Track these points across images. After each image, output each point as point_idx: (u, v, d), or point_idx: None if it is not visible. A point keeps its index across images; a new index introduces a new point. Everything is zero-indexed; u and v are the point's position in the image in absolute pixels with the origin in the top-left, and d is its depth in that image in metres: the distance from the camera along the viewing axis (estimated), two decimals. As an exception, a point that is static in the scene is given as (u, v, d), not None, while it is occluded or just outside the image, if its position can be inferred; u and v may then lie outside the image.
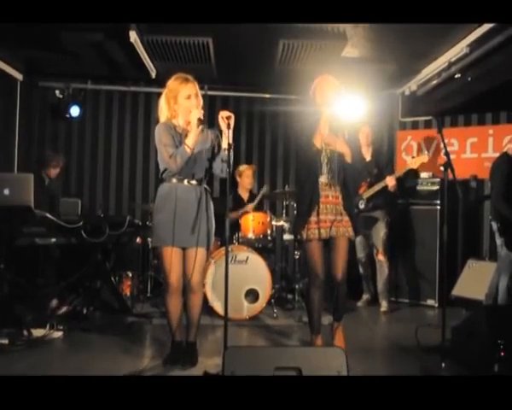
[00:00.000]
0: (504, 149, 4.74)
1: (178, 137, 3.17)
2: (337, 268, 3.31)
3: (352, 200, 3.49)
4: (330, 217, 3.28)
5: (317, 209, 3.26)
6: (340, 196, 3.34)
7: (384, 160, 5.45)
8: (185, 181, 3.17)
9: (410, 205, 5.71)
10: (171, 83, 3.20)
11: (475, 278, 4.99)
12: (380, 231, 5.23)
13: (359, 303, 5.48)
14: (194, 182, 3.19)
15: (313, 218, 3.26)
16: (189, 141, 3.07)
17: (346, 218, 3.34)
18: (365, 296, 5.53)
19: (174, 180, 3.17)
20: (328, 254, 3.36)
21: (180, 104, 3.17)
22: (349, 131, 3.40)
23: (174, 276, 3.15)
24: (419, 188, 5.68)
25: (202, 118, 3.09)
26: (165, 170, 3.18)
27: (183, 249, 3.20)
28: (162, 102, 3.23)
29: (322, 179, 3.31)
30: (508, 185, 4.34)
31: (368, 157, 5.17)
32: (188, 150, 3.06)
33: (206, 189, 3.26)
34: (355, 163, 3.38)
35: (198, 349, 3.32)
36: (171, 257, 3.13)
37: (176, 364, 3.16)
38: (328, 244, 3.36)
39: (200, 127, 3.11)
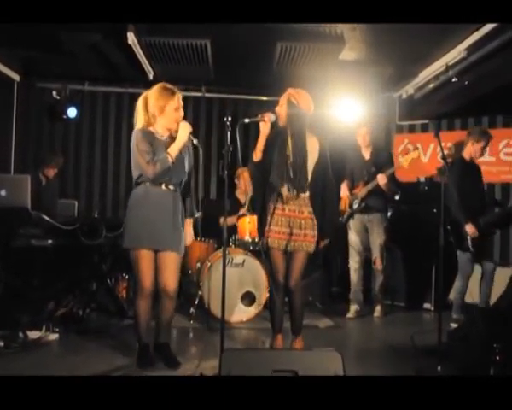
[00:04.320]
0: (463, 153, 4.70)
1: (158, 144, 3.13)
2: (290, 277, 3.33)
3: (327, 219, 3.35)
4: (284, 229, 3.28)
5: (269, 220, 3.29)
6: (305, 211, 3.30)
7: (383, 159, 5.08)
8: (162, 185, 3.15)
9: (407, 207, 5.70)
10: (158, 92, 3.15)
11: (472, 281, 4.98)
12: (377, 239, 5.01)
13: (349, 315, 5.00)
14: (171, 187, 3.18)
15: (273, 227, 3.29)
16: (173, 151, 3.09)
17: (309, 233, 3.29)
18: (353, 307, 5.03)
19: (150, 183, 3.13)
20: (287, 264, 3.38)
21: (166, 114, 3.15)
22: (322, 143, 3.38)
23: (148, 279, 3.14)
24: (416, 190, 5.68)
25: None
26: (141, 175, 3.13)
27: (156, 253, 3.17)
28: (141, 107, 3.20)
29: (282, 192, 3.29)
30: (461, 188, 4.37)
31: (367, 156, 5.09)
32: (169, 159, 3.07)
33: (180, 195, 3.25)
34: (328, 180, 3.36)
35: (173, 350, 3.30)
36: (145, 260, 3.12)
37: (150, 365, 3.13)
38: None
39: (187, 140, 3.14)
